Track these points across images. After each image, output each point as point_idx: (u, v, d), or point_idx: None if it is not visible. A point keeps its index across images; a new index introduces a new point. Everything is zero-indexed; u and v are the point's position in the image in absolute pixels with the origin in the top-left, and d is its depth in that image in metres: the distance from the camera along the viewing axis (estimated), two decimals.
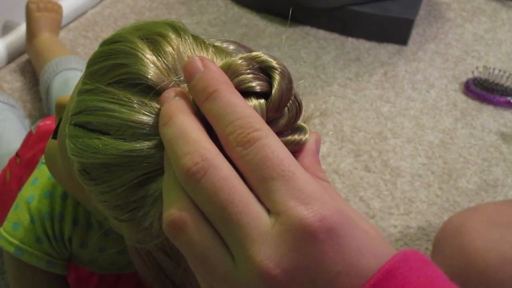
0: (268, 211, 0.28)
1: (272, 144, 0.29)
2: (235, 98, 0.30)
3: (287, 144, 0.34)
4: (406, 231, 1.06)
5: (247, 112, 0.30)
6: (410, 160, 1.19)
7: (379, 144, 1.22)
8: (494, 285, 0.68)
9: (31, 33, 1.27)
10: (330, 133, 1.23)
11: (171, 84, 0.35)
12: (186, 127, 0.30)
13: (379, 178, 1.15)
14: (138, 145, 0.34)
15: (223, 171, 0.29)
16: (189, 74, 0.32)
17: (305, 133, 0.35)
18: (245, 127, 0.29)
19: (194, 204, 0.30)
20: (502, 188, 1.14)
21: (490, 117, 1.31)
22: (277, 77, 0.33)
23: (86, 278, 0.69)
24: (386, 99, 1.33)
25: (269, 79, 0.33)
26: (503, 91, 1.34)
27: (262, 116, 0.32)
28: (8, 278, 0.65)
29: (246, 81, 0.32)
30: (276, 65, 0.33)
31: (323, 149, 1.19)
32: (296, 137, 0.35)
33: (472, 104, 1.34)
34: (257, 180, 0.29)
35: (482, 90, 1.34)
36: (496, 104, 1.33)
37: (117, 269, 0.65)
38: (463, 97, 1.35)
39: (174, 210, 0.30)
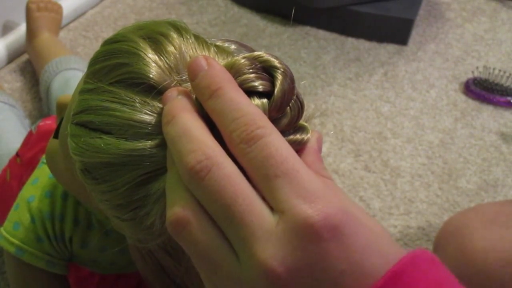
0: (272, 209, 0.28)
1: (276, 142, 0.29)
2: (239, 95, 0.30)
3: (290, 143, 0.34)
4: (406, 231, 1.06)
5: (251, 110, 0.30)
6: (410, 160, 1.19)
7: (379, 144, 1.22)
8: (494, 285, 0.68)
9: (31, 33, 1.27)
10: (332, 132, 1.23)
11: (173, 84, 0.35)
12: (189, 126, 0.30)
13: (379, 178, 1.15)
14: (140, 144, 0.34)
15: (227, 169, 0.28)
16: (193, 72, 0.32)
17: (307, 132, 0.35)
18: (249, 124, 0.29)
19: (197, 203, 0.29)
20: (502, 188, 1.14)
21: (490, 117, 1.31)
22: (279, 76, 0.33)
23: (86, 278, 0.69)
24: (386, 99, 1.33)
25: (271, 79, 0.33)
26: (503, 91, 1.34)
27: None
28: (8, 278, 0.65)
29: (249, 80, 0.32)
30: (279, 65, 0.33)
31: (323, 149, 1.19)
32: (298, 136, 0.35)
33: (472, 104, 1.34)
34: (261, 177, 0.29)
35: (482, 90, 1.34)
36: (496, 104, 1.33)
37: (117, 269, 0.65)
38: (463, 97, 1.36)
39: (178, 209, 0.30)
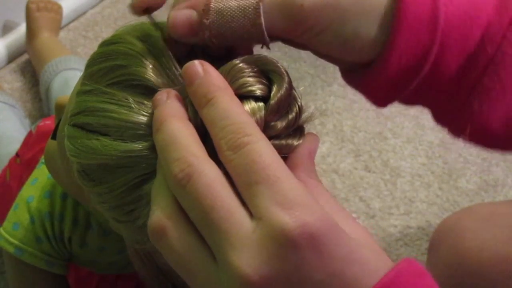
0: (252, 216, 0.28)
1: (260, 149, 0.29)
2: (232, 104, 0.30)
3: (284, 146, 0.34)
4: (406, 231, 1.06)
5: (241, 118, 0.30)
6: (410, 160, 1.19)
7: (379, 144, 1.22)
8: (487, 285, 0.68)
9: (31, 33, 1.27)
10: (327, 131, 1.23)
11: (169, 84, 0.35)
12: (176, 133, 0.30)
13: (379, 178, 1.15)
14: (137, 145, 0.34)
15: (207, 177, 0.29)
16: (189, 78, 0.32)
17: (300, 135, 0.35)
18: (236, 132, 0.29)
19: (178, 210, 0.30)
20: (502, 188, 1.14)
21: None
22: (277, 81, 0.33)
23: (85, 278, 0.69)
24: None
25: (269, 83, 0.33)
26: None
27: (261, 120, 0.32)
28: (8, 278, 0.65)
29: (246, 84, 0.32)
30: (277, 69, 0.33)
31: (323, 149, 1.19)
32: (292, 138, 0.34)
33: None
34: (243, 184, 0.29)
35: None
36: None
37: (116, 269, 0.65)
38: None
39: (157, 217, 0.30)
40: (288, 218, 0.27)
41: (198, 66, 0.32)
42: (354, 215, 1.08)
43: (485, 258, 0.68)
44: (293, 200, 0.27)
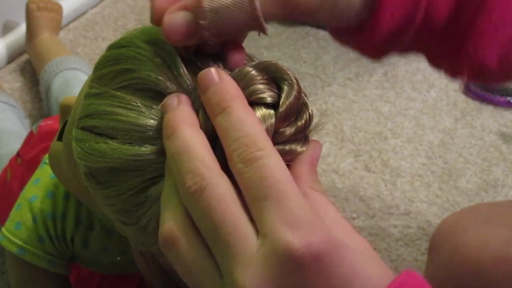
0: (258, 232, 0.28)
1: (272, 164, 0.29)
2: (246, 115, 0.30)
3: (287, 152, 0.34)
4: (406, 231, 1.06)
5: (255, 131, 0.30)
6: (410, 160, 1.19)
7: (379, 144, 1.22)
8: (488, 285, 0.68)
9: (31, 33, 1.27)
10: (327, 131, 1.23)
11: (177, 88, 0.35)
12: (188, 142, 0.30)
13: (379, 178, 1.15)
14: (145, 149, 0.34)
15: (219, 191, 0.29)
16: (204, 85, 0.32)
17: (306, 141, 0.35)
18: (249, 146, 0.29)
19: (188, 221, 0.30)
20: (502, 188, 1.15)
21: (490, 117, 1.31)
22: (285, 88, 0.33)
23: (87, 278, 0.69)
24: (386, 99, 1.33)
25: (279, 90, 0.33)
26: (503, 91, 1.34)
27: (271, 127, 0.32)
28: (9, 278, 0.65)
29: (258, 92, 0.32)
30: (286, 76, 0.33)
31: (323, 149, 1.19)
32: (296, 144, 0.35)
33: (472, 104, 1.34)
34: (252, 198, 0.29)
35: (482, 90, 1.35)
36: (496, 104, 1.33)
37: (119, 269, 0.66)
38: (463, 97, 1.36)
39: (169, 226, 0.30)
40: (292, 238, 0.27)
41: (214, 73, 0.32)
42: (354, 215, 1.09)
43: (486, 258, 0.68)
44: (299, 219, 0.27)
